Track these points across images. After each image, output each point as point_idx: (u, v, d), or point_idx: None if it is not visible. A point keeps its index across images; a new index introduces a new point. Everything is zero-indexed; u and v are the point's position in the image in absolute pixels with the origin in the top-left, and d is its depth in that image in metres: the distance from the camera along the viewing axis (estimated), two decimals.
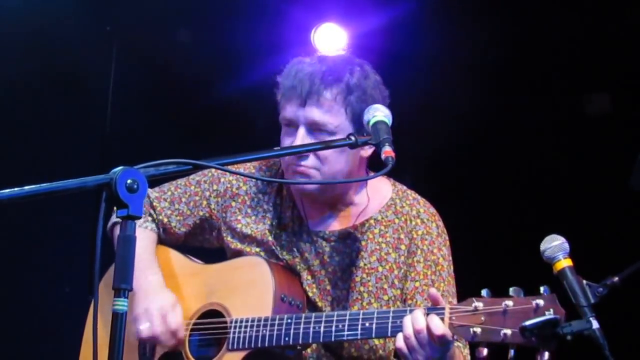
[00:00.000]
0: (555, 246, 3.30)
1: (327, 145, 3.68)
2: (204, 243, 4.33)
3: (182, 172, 3.05)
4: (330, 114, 3.83)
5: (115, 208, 2.81)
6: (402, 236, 3.99)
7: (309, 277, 4.02)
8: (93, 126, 6.93)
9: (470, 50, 6.65)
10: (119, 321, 2.74)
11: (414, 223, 4.00)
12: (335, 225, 4.05)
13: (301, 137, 3.84)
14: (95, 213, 2.82)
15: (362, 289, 3.96)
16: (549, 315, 3.11)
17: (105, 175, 2.78)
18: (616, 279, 3.28)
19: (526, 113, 6.90)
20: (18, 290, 6.51)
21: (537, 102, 6.88)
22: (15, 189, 2.73)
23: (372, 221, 4.02)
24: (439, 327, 3.39)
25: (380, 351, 3.98)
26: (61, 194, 2.79)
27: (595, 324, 3.18)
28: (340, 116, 3.85)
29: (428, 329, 3.42)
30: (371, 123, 3.58)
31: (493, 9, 6.63)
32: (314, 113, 3.83)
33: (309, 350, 3.96)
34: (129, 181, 2.77)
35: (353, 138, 3.53)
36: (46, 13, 6.47)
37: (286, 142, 3.92)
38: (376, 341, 3.96)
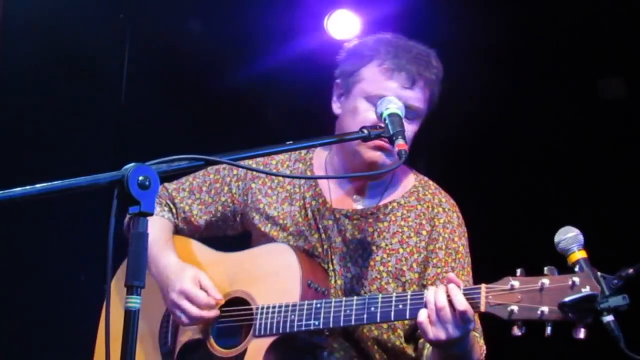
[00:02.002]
0: (569, 238, 3.29)
1: (341, 139, 3.73)
2: (227, 231, 4.34)
3: (194, 167, 3.05)
4: (425, 99, 3.96)
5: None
6: (423, 222, 4.04)
7: (331, 254, 4.04)
8: (106, 114, 6.94)
9: (484, 35, 6.62)
10: (131, 318, 2.72)
11: (436, 211, 4.06)
12: (359, 204, 4.09)
13: None
14: (108, 207, 2.82)
15: (381, 268, 3.98)
16: (586, 291, 3.14)
17: (117, 172, 2.77)
18: (631, 270, 3.26)
19: (541, 98, 6.87)
20: (34, 278, 6.52)
21: (552, 87, 6.85)
22: (27, 187, 2.73)
23: (395, 204, 4.07)
24: (462, 303, 3.42)
25: (398, 331, 4.00)
26: (73, 192, 2.79)
27: (610, 317, 3.18)
28: (427, 102, 3.99)
29: (451, 304, 3.45)
30: (384, 115, 3.61)
31: None
32: (417, 97, 3.92)
33: (334, 344, 3.96)
34: (140, 178, 2.76)
35: (366, 131, 3.56)
36: (58, 1, 6.46)
37: (370, 116, 3.84)
38: (396, 341, 4.00)
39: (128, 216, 4.19)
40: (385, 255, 3.99)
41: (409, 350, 4.03)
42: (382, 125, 3.65)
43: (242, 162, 3.25)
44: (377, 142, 3.81)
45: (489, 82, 6.73)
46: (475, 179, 7.03)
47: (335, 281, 4.01)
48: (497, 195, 6.91)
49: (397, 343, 4.01)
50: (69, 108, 6.67)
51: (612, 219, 6.31)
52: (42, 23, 6.40)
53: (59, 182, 2.78)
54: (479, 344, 3.88)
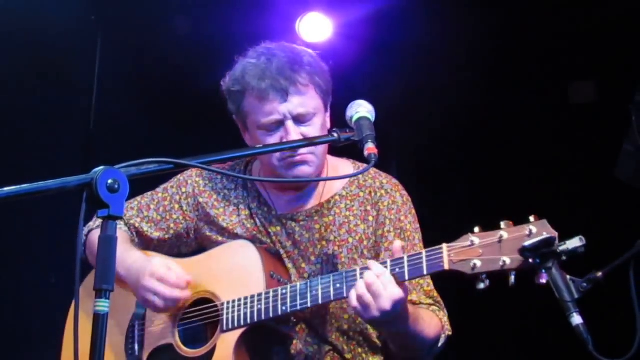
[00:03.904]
0: None
1: (311, 142, 3.78)
2: (181, 248, 4.37)
3: (163, 170, 3.04)
4: (310, 98, 3.96)
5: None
6: (368, 208, 4.10)
7: (285, 258, 4.10)
8: (77, 118, 6.91)
9: (457, 39, 6.65)
10: (100, 322, 2.72)
11: (379, 194, 4.12)
12: (302, 206, 4.15)
13: (293, 131, 3.93)
14: (78, 210, 2.81)
15: (335, 261, 4.05)
16: (544, 235, 3.21)
17: (86, 175, 2.77)
18: (600, 274, 3.29)
19: (512, 103, 6.90)
20: (4, 280, 6.49)
21: (523, 91, 6.88)
22: None
23: (337, 197, 4.13)
24: (383, 273, 3.58)
25: (359, 319, 4.03)
26: (42, 195, 2.78)
27: (579, 320, 3.19)
28: (316, 97, 3.99)
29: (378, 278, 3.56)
30: (354, 119, 3.62)
31: None
32: (298, 103, 3.93)
33: (297, 332, 4.01)
34: (110, 181, 2.76)
35: (336, 135, 3.58)
36: (29, 1, 6.42)
37: (272, 141, 3.97)
38: (357, 329, 4.07)
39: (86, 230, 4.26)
40: (336, 248, 4.05)
41: (373, 337, 4.11)
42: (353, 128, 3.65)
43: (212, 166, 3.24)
44: (289, 159, 3.93)
45: (460, 85, 6.76)
46: (447, 183, 7.05)
47: (294, 282, 4.03)
48: (467, 197, 6.94)
49: (359, 331, 4.09)
50: (39, 110, 6.64)
51: (581, 222, 6.33)
52: (13, 25, 6.36)
53: (28, 185, 2.78)
54: (438, 317, 3.97)
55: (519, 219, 3.33)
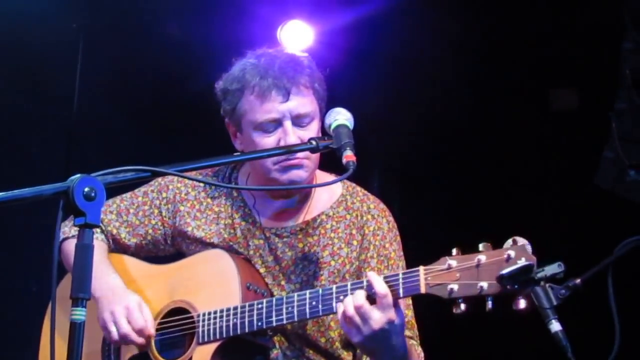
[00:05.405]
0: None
1: (289, 150, 3.72)
2: (158, 253, 4.34)
3: (141, 179, 3.04)
4: (309, 100, 3.91)
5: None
6: (354, 232, 4.05)
7: (264, 272, 4.06)
8: (58, 126, 6.89)
9: (437, 48, 6.66)
10: (77, 331, 2.71)
11: (365, 219, 4.06)
12: (287, 221, 4.09)
13: (291, 131, 3.85)
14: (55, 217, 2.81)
15: (315, 282, 3.99)
16: (522, 263, 3.18)
17: (62, 183, 2.77)
18: (578, 280, 3.30)
19: (493, 110, 6.91)
20: None
21: (504, 98, 6.90)
22: None
23: (323, 216, 4.08)
24: (382, 286, 3.48)
25: (337, 343, 4.03)
26: (19, 203, 2.77)
27: (558, 327, 3.20)
28: (314, 102, 3.94)
29: (369, 298, 3.49)
30: (332, 127, 3.62)
31: (460, 6, 6.64)
32: (299, 103, 3.86)
33: (276, 344, 3.99)
34: (86, 189, 2.76)
35: (314, 142, 3.57)
36: (10, 9, 6.40)
37: (268, 142, 3.89)
38: (332, 333, 4.02)
39: (61, 237, 4.23)
40: (317, 269, 4.01)
41: (349, 357, 4.06)
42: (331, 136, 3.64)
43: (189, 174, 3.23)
44: (284, 162, 3.86)
45: (440, 93, 6.77)
46: (428, 191, 7.06)
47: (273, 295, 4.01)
48: (448, 205, 6.94)
49: (336, 355, 4.04)
50: (19, 118, 6.62)
51: (560, 228, 6.36)
52: None
53: (3, 193, 2.78)
54: (417, 352, 3.94)
55: (501, 225, 3.32)
